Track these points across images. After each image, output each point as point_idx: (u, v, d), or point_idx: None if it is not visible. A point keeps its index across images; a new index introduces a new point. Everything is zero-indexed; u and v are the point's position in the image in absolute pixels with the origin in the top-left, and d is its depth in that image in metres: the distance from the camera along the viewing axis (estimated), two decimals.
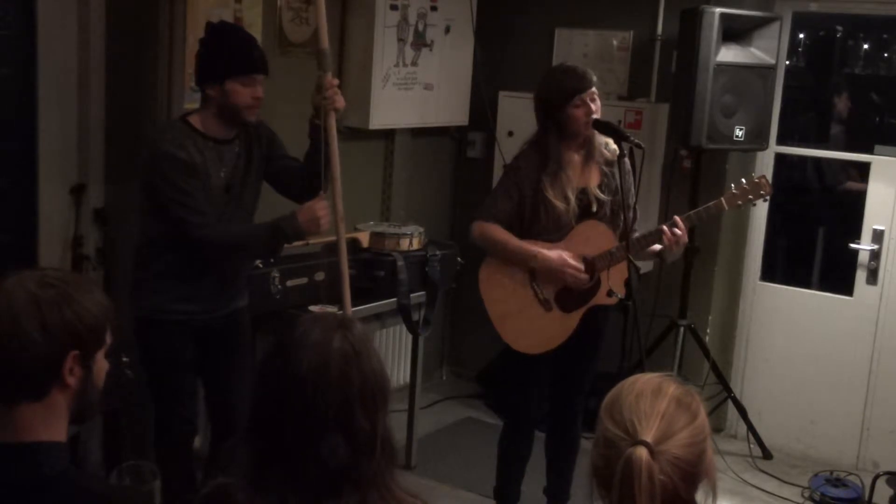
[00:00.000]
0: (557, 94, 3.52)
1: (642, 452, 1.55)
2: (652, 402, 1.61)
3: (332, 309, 3.53)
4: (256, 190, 3.41)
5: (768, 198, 3.69)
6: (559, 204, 3.52)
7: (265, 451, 1.60)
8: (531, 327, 3.64)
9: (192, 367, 3.41)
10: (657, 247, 3.62)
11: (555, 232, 3.57)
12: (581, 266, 3.55)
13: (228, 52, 3.21)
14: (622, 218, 3.51)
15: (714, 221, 3.75)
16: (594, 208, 3.59)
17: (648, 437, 1.57)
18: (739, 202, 3.63)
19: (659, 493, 1.55)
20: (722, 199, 3.62)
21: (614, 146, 3.56)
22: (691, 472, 1.60)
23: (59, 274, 1.72)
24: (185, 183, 3.14)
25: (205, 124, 3.23)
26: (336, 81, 3.25)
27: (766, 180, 3.65)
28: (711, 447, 1.67)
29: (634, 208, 3.66)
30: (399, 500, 1.63)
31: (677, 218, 3.56)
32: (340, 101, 3.26)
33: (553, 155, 3.54)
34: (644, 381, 1.67)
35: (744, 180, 3.65)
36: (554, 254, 3.54)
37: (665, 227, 3.54)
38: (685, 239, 3.57)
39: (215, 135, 3.24)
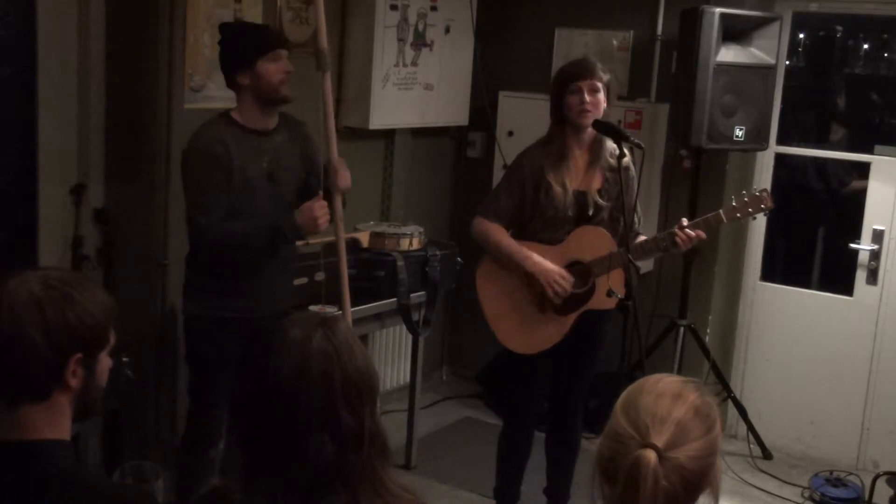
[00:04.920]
0: (557, 83, 3.58)
1: (651, 456, 1.54)
2: (670, 407, 1.60)
3: (332, 309, 3.53)
4: (296, 179, 3.45)
5: (768, 212, 3.66)
6: (557, 188, 3.52)
7: (254, 452, 1.60)
8: (524, 327, 3.65)
9: (234, 366, 3.42)
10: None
11: (552, 231, 3.57)
12: (571, 280, 3.55)
13: (250, 36, 3.34)
14: (622, 223, 3.50)
15: (712, 231, 3.74)
16: (590, 212, 3.59)
17: (659, 442, 1.56)
18: (739, 215, 3.60)
19: (661, 497, 1.55)
20: (721, 211, 3.59)
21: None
22: (695, 483, 1.59)
23: (62, 274, 1.71)
24: (205, 179, 3.21)
25: (245, 117, 3.31)
26: (342, 161, 3.31)
27: (768, 194, 3.60)
28: (720, 461, 1.65)
29: (636, 212, 3.66)
30: (393, 494, 1.62)
31: (685, 221, 3.55)
32: (345, 182, 3.32)
33: (557, 143, 3.56)
34: (667, 382, 1.65)
35: (744, 193, 3.62)
36: (547, 264, 3.54)
37: (678, 230, 3.51)
38: (703, 235, 3.54)
39: (256, 126, 3.32)
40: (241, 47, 3.28)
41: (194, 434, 3.47)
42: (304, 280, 3.92)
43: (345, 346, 1.62)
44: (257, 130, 3.32)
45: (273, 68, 3.25)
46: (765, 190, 3.65)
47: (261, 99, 3.28)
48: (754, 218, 3.73)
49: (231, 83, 3.32)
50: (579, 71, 3.54)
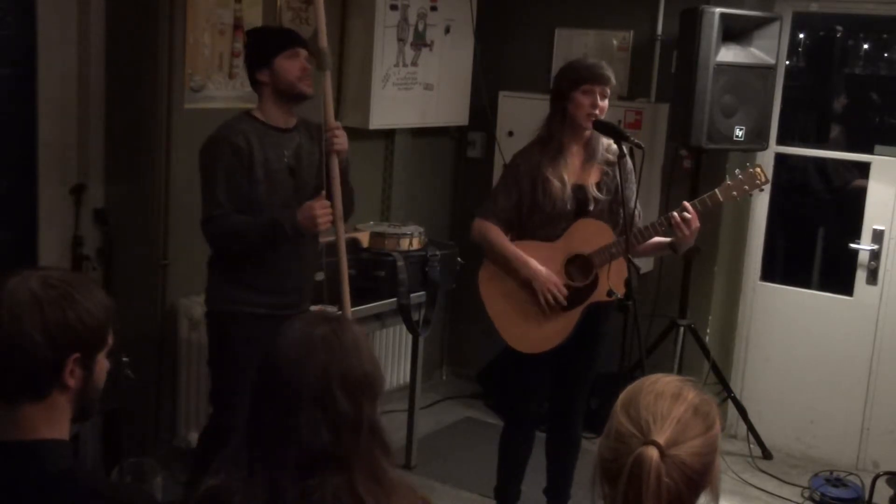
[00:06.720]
0: (570, 78, 3.55)
1: (653, 453, 1.56)
2: (670, 405, 1.62)
3: (332, 309, 3.53)
4: (318, 173, 3.46)
5: (765, 188, 3.61)
6: (555, 182, 3.52)
7: (253, 433, 1.65)
8: (530, 326, 3.64)
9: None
10: (666, 239, 3.59)
11: (551, 227, 3.58)
12: (565, 291, 3.56)
13: (267, 36, 3.48)
14: (622, 216, 3.50)
15: (713, 217, 3.69)
16: (590, 206, 3.59)
17: (661, 439, 1.58)
18: (735, 193, 3.55)
19: (664, 496, 1.56)
20: (717, 190, 3.55)
21: (616, 148, 3.55)
22: (696, 481, 1.60)
23: (62, 274, 1.71)
24: (221, 170, 3.25)
25: (266, 115, 3.38)
26: (338, 125, 3.34)
27: (762, 170, 3.56)
28: (720, 459, 1.68)
29: (637, 208, 3.65)
30: (392, 482, 1.66)
31: (687, 203, 3.51)
32: (342, 145, 3.36)
33: (555, 139, 3.56)
34: (665, 382, 1.68)
35: (738, 171, 3.59)
36: (543, 271, 3.55)
37: (675, 213, 3.49)
38: (697, 223, 3.48)
39: (277, 123, 3.38)
40: (261, 46, 3.38)
41: (214, 440, 3.43)
42: None
43: (351, 341, 1.67)
44: (278, 127, 3.38)
45: (290, 65, 3.33)
46: (758, 165, 3.60)
47: (280, 95, 3.35)
48: (751, 195, 3.66)
49: (253, 82, 3.40)
50: (598, 75, 3.52)
